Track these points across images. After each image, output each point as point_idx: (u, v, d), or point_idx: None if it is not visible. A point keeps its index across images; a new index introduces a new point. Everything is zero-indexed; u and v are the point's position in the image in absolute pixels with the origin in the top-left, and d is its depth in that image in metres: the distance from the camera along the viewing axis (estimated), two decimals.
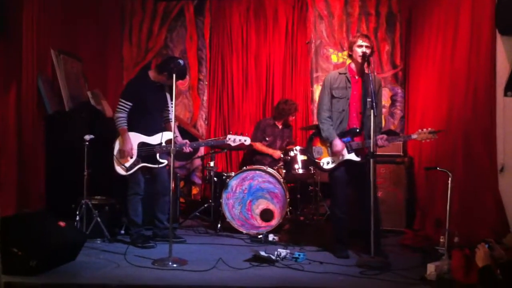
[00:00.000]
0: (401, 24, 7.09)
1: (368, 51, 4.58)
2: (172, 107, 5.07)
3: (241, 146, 6.14)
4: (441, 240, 4.33)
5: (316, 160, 4.83)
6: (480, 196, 4.76)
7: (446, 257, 4.04)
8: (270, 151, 6.33)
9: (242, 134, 4.93)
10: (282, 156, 6.05)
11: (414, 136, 4.54)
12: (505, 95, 4.73)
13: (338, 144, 4.64)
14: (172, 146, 4.51)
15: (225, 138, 4.90)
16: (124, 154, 5.00)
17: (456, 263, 3.87)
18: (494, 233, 4.44)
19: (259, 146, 6.39)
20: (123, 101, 5.04)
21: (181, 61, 5.00)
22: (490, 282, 3.26)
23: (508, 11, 4.49)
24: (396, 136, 5.71)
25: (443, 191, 4.72)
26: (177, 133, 5.26)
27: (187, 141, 5.10)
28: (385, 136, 4.60)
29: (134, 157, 5.02)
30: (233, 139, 4.89)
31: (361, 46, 4.60)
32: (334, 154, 4.70)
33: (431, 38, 5.92)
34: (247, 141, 4.93)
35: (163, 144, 5.03)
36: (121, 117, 5.02)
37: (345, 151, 4.67)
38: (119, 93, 5.23)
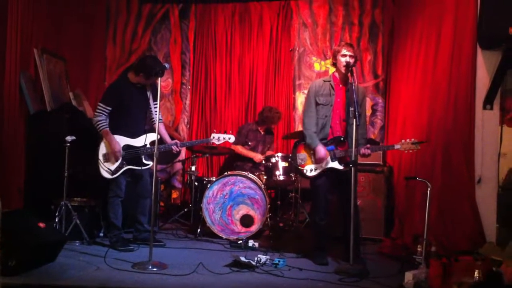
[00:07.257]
0: (384, 34, 7.17)
1: (351, 60, 4.62)
2: (156, 107, 4.96)
3: (223, 149, 6.16)
4: (419, 249, 4.41)
5: (300, 167, 4.87)
6: (458, 206, 4.86)
7: (423, 265, 4.11)
8: (251, 154, 6.36)
9: (225, 133, 4.97)
10: (263, 161, 6.08)
11: (397, 146, 4.59)
12: (484, 108, 4.85)
13: (321, 150, 4.67)
14: (156, 149, 4.49)
15: (210, 137, 4.97)
16: (112, 156, 4.96)
17: (434, 272, 3.92)
18: (471, 243, 4.54)
19: (240, 149, 6.40)
20: (102, 105, 4.99)
21: (156, 59, 5.05)
22: None
23: (490, 26, 4.60)
24: (378, 145, 5.80)
25: (421, 200, 4.81)
26: (166, 134, 5.24)
27: (177, 141, 5.07)
28: (368, 145, 4.66)
29: (120, 160, 4.99)
30: (217, 138, 4.95)
31: (345, 55, 4.64)
32: (317, 161, 4.72)
33: (413, 49, 6.01)
34: (231, 138, 4.97)
35: (147, 145, 5.01)
36: (101, 120, 4.97)
37: (328, 159, 4.70)
38: (101, 94, 5.20)
